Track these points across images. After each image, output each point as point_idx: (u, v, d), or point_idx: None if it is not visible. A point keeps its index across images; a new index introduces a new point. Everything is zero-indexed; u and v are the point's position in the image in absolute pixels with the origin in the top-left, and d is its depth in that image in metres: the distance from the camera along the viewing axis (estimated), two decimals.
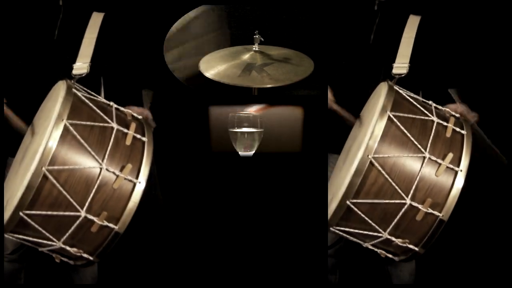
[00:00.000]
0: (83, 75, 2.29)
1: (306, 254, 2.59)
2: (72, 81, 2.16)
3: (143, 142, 2.08)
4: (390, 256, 2.17)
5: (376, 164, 2.00)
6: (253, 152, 2.22)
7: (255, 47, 2.37)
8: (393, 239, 2.07)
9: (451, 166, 2.04)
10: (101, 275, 2.59)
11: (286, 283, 2.60)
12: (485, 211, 2.83)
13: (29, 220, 1.95)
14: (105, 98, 2.26)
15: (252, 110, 2.29)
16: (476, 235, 2.86)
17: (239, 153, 2.22)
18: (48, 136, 1.94)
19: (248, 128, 2.20)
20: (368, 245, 2.14)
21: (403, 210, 2.02)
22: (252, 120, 2.21)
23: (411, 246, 2.09)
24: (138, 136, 2.08)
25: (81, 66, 2.32)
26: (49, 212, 1.96)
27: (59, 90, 2.08)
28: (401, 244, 2.08)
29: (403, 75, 2.35)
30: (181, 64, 2.38)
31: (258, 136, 2.21)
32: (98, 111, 2.07)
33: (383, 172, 2.00)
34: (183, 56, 2.39)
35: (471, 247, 2.87)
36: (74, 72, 2.30)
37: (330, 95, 2.48)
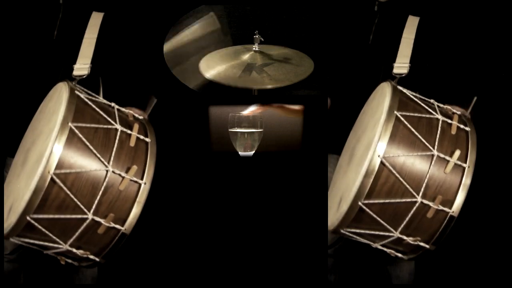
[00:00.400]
0: (84, 76, 2.27)
1: (306, 254, 2.59)
2: (74, 83, 2.15)
3: (147, 143, 2.08)
4: (400, 255, 2.17)
5: (387, 164, 2.00)
6: (253, 152, 2.21)
7: (255, 47, 2.36)
8: (404, 237, 2.07)
9: (459, 162, 2.06)
10: (101, 275, 2.57)
11: (286, 283, 2.60)
12: (484, 210, 2.85)
13: (36, 224, 1.94)
14: (103, 98, 2.24)
15: (251, 110, 2.27)
16: (475, 234, 2.87)
17: (239, 153, 2.21)
18: (54, 139, 1.92)
19: (248, 128, 2.19)
20: (377, 245, 2.15)
21: (414, 208, 2.03)
22: (252, 120, 2.20)
23: (422, 244, 2.10)
24: (141, 137, 2.08)
25: (81, 67, 2.30)
26: (56, 216, 1.94)
27: (62, 92, 2.06)
28: (412, 242, 2.09)
29: (403, 75, 2.36)
30: (180, 63, 2.37)
31: (258, 136, 2.20)
32: (101, 112, 2.06)
33: (394, 171, 2.01)
34: (183, 56, 2.37)
35: (470, 246, 2.88)
36: (75, 73, 2.28)
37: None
